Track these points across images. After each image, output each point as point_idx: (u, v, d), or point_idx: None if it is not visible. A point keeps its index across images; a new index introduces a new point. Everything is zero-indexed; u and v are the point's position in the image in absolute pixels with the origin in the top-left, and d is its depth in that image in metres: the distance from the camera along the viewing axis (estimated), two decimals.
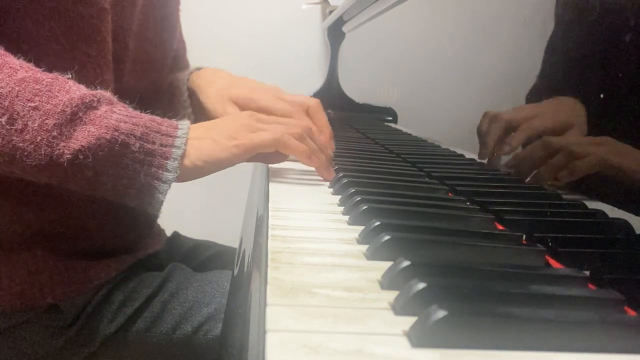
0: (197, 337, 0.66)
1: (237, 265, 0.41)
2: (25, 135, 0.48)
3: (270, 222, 0.43)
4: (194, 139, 0.55)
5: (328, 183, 0.60)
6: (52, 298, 0.63)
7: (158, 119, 0.54)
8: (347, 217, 0.46)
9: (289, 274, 0.32)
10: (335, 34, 1.47)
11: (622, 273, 0.35)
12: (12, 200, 0.62)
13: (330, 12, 1.51)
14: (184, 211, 1.29)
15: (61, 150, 0.49)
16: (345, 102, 1.42)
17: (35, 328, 0.64)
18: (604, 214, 0.43)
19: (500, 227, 0.45)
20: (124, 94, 0.58)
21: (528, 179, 0.53)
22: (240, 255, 0.42)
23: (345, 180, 0.56)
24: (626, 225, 0.40)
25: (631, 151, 0.40)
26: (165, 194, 0.52)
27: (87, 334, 0.65)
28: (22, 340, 0.63)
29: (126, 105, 0.54)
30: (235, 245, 0.49)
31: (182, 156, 0.53)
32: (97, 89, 0.53)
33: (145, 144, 0.51)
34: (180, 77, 0.82)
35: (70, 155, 0.49)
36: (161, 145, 0.52)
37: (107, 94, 0.53)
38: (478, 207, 0.50)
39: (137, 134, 0.51)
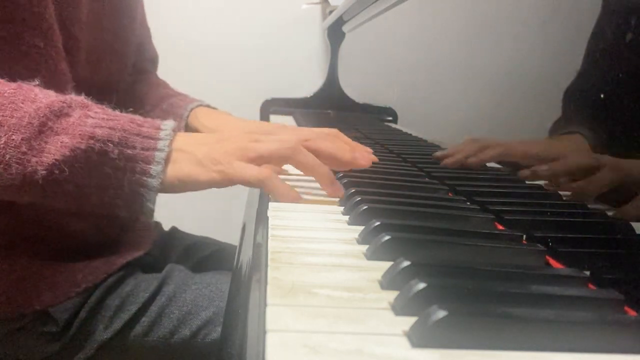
0: (195, 341, 0.65)
1: (237, 265, 0.40)
2: None
3: (270, 222, 0.43)
4: (176, 150, 0.50)
5: None
6: (39, 304, 0.62)
7: (139, 119, 0.50)
8: (347, 217, 0.46)
9: (289, 274, 0.32)
10: (335, 34, 1.47)
11: (622, 273, 0.35)
12: None
13: (330, 12, 1.51)
14: (182, 206, 1.29)
15: (34, 167, 0.45)
16: (345, 102, 1.42)
17: (29, 335, 0.63)
18: (604, 214, 0.43)
19: (500, 227, 0.45)
20: (81, 87, 0.53)
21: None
22: (240, 255, 0.42)
23: (345, 181, 0.56)
24: (626, 226, 0.40)
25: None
26: (155, 201, 0.48)
27: (82, 340, 0.64)
28: (17, 347, 0.63)
29: (103, 107, 0.50)
30: (235, 242, 0.48)
31: (166, 160, 0.49)
32: (67, 94, 0.49)
33: (124, 150, 0.47)
34: (178, 107, 0.81)
35: (44, 171, 0.45)
36: (142, 149, 0.48)
37: (80, 98, 0.49)
38: (478, 207, 0.50)
39: (114, 139, 0.47)
